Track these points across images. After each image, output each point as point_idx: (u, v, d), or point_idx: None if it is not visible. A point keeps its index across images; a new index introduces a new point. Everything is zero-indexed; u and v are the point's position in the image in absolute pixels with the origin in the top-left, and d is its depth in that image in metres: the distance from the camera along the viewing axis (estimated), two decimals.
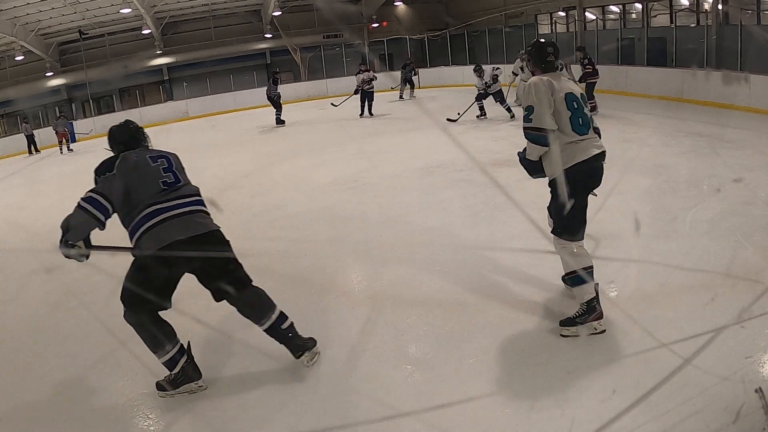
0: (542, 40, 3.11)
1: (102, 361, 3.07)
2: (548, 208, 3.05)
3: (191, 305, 3.84)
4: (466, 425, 2.24)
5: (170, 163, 2.61)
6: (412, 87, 15.68)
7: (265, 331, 2.66)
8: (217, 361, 2.97)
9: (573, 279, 2.82)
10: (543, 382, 2.46)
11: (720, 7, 11.39)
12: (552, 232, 2.87)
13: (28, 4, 16.83)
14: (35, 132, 15.48)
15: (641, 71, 12.28)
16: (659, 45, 12.77)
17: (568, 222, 2.79)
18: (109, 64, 20.38)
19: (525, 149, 2.97)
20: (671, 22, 13.13)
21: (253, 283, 2.72)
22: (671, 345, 2.48)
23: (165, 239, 2.41)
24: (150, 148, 2.72)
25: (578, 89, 2.86)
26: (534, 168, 2.96)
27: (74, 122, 17.65)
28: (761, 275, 3.22)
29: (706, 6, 12.27)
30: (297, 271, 4.12)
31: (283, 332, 2.68)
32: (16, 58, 19.27)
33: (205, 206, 2.66)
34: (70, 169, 11.58)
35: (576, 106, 2.76)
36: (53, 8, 17.72)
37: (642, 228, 4.24)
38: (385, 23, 22.36)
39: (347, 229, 5.04)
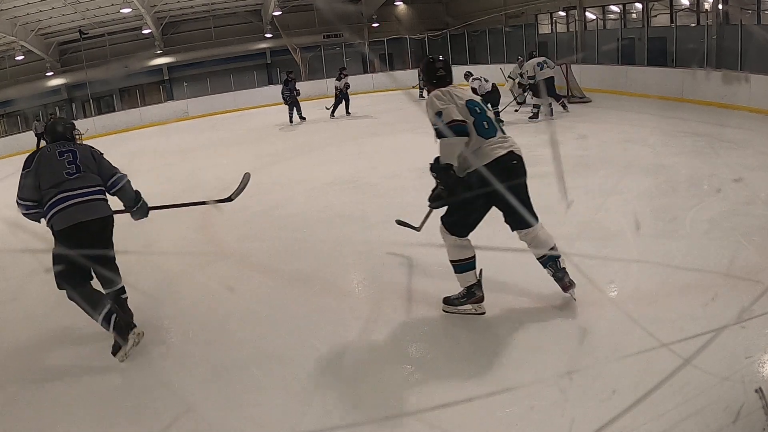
0: (432, 57, 3.15)
1: (102, 361, 3.07)
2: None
3: (193, 305, 3.85)
4: (466, 425, 2.23)
5: (75, 156, 3.11)
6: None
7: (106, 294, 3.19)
8: (217, 361, 2.97)
9: (457, 266, 3.06)
10: (543, 382, 2.46)
11: (720, 7, 11.38)
12: (441, 218, 3.02)
13: (28, 4, 16.82)
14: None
15: (641, 71, 12.28)
16: (659, 45, 12.77)
17: (459, 220, 2.96)
18: (109, 64, 20.37)
19: (437, 158, 2.91)
20: (671, 22, 13.12)
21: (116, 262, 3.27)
22: (671, 345, 2.48)
23: (69, 221, 2.96)
24: (78, 143, 3.28)
25: (478, 98, 3.00)
26: (446, 173, 2.88)
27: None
28: (761, 275, 3.22)
29: (707, 6, 12.26)
30: (297, 271, 4.13)
31: (122, 301, 3.28)
32: (16, 58, 19.26)
33: (104, 195, 3.17)
34: None
35: (479, 111, 2.87)
36: (53, 8, 17.71)
37: (642, 228, 4.24)
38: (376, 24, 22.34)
39: (347, 229, 5.04)
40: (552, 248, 3.01)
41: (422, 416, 2.34)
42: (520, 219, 2.95)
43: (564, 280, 3.02)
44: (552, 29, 17.24)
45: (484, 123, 2.85)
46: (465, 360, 2.71)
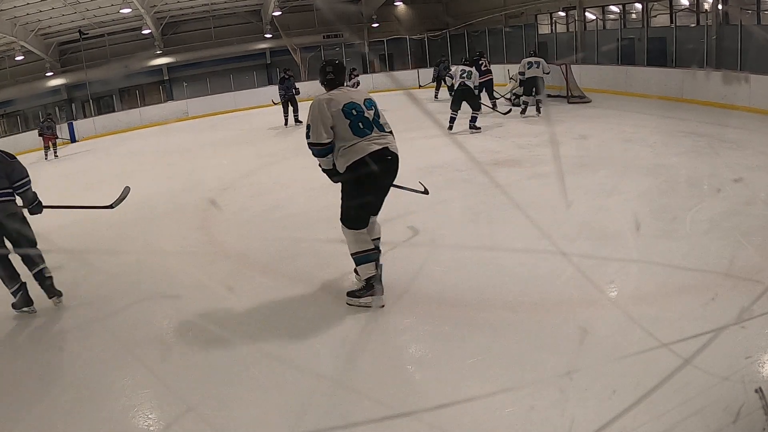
0: (325, 61, 3.46)
1: (102, 361, 3.07)
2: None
3: (193, 305, 3.85)
4: (466, 425, 2.23)
5: None
6: (438, 86, 14.99)
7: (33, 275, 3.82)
8: (217, 361, 2.97)
9: (357, 258, 3.29)
10: (543, 382, 2.46)
11: (720, 7, 11.38)
12: (340, 219, 3.31)
13: (28, 4, 16.82)
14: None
15: (641, 71, 12.28)
16: (659, 45, 12.77)
17: (350, 215, 3.25)
18: (109, 64, 20.37)
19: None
20: (671, 22, 13.13)
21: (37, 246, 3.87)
22: (671, 345, 2.48)
23: None
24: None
25: (363, 97, 3.26)
26: (331, 172, 3.34)
27: (74, 122, 17.63)
28: (761, 275, 3.22)
29: (706, 6, 12.26)
30: (297, 271, 4.13)
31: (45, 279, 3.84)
32: (16, 58, 19.24)
33: (13, 196, 3.71)
34: (67, 171, 11.61)
35: (355, 113, 3.15)
36: (53, 8, 17.71)
37: (642, 228, 4.24)
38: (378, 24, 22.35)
39: None
40: (377, 238, 3.45)
41: (422, 416, 2.34)
42: (379, 208, 3.34)
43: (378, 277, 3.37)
44: (552, 29, 17.24)
45: (360, 124, 3.16)
46: (465, 360, 2.71)
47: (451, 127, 9.23)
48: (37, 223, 3.88)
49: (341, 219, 3.29)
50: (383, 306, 3.26)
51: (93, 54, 20.37)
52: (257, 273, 4.24)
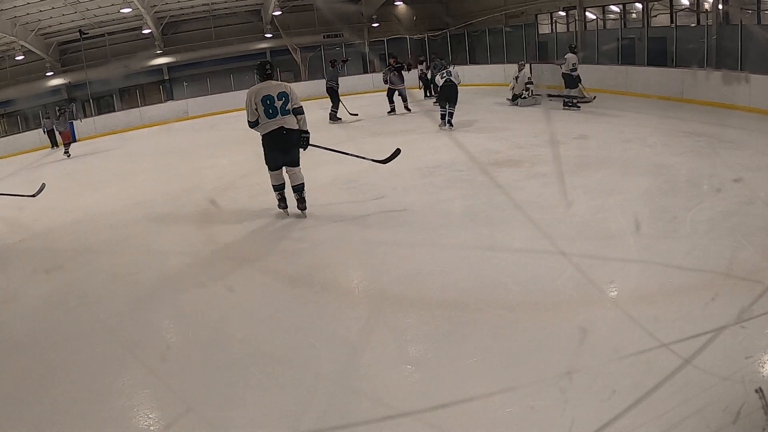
0: (263, 59, 6.03)
1: (102, 361, 3.07)
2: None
3: (193, 305, 3.85)
4: (466, 425, 2.24)
5: None
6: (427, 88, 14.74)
7: None
8: (217, 361, 2.97)
9: (274, 188, 5.31)
10: (543, 382, 2.46)
11: (720, 7, 11.39)
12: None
13: (28, 4, 16.81)
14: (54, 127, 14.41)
15: (641, 71, 12.27)
16: (659, 45, 12.77)
17: (266, 162, 5.18)
18: (110, 63, 20.36)
19: None
20: (671, 22, 13.12)
21: None
22: (671, 345, 2.48)
23: None
24: None
25: (277, 90, 4.89)
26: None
27: (74, 122, 17.62)
28: (761, 275, 3.22)
29: (706, 6, 12.26)
30: (297, 271, 4.13)
31: None
32: (16, 58, 19.24)
33: None
34: (69, 170, 11.60)
35: (268, 103, 4.86)
36: (53, 8, 17.70)
37: (642, 228, 4.24)
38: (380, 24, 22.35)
39: (347, 229, 5.03)
40: (301, 183, 5.20)
41: (422, 416, 2.34)
42: (291, 161, 5.12)
43: (301, 204, 5.27)
44: (552, 29, 17.24)
45: (270, 111, 4.88)
46: (465, 360, 2.71)
47: (443, 124, 9.45)
48: (37, 222, 3.87)
49: (267, 163, 5.19)
50: (284, 212, 5.37)
51: (93, 54, 20.36)
52: (257, 273, 4.24)
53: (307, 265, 4.23)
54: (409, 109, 12.25)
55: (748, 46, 10.07)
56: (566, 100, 10.74)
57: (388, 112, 12.11)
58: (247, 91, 4.99)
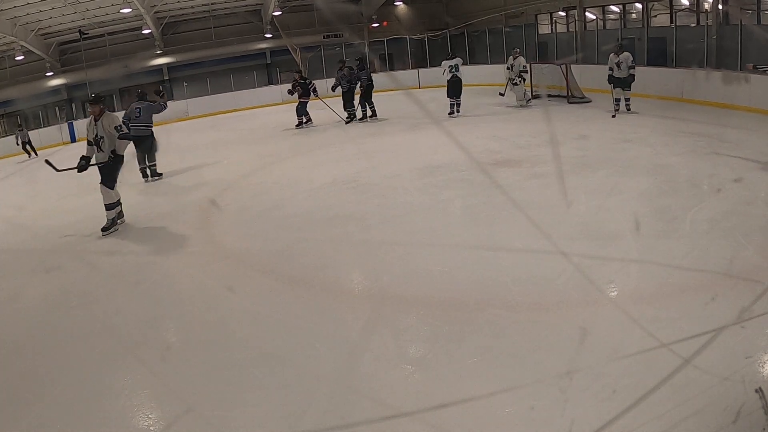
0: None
1: (102, 361, 3.07)
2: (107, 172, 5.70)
3: (193, 304, 3.85)
4: (466, 425, 2.24)
5: None
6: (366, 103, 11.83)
7: None
8: (217, 361, 2.97)
9: (108, 207, 5.58)
10: (543, 382, 2.46)
11: (720, 7, 11.38)
12: (102, 182, 5.59)
13: (28, 4, 16.80)
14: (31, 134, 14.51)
15: (641, 71, 12.20)
16: (659, 45, 12.76)
17: (113, 180, 5.58)
18: (109, 64, 20.36)
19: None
20: (671, 22, 13.11)
21: None
22: (671, 345, 2.48)
23: None
24: None
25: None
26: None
27: (74, 122, 17.62)
28: (761, 275, 3.22)
29: (706, 6, 12.26)
30: (297, 271, 4.13)
31: None
32: (16, 58, 19.23)
33: None
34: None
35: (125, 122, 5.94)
36: (53, 8, 17.69)
37: (642, 228, 4.24)
38: (385, 23, 22.35)
39: (347, 229, 5.03)
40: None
41: (422, 416, 2.34)
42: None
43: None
44: (552, 29, 17.23)
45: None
46: (465, 360, 2.71)
47: (451, 113, 11.03)
48: (37, 223, 3.87)
49: (106, 183, 5.64)
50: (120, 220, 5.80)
51: (93, 54, 20.35)
52: (257, 273, 4.24)
53: (307, 265, 4.23)
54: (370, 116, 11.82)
55: (748, 46, 10.07)
56: (627, 102, 9.82)
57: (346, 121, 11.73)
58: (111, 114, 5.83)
